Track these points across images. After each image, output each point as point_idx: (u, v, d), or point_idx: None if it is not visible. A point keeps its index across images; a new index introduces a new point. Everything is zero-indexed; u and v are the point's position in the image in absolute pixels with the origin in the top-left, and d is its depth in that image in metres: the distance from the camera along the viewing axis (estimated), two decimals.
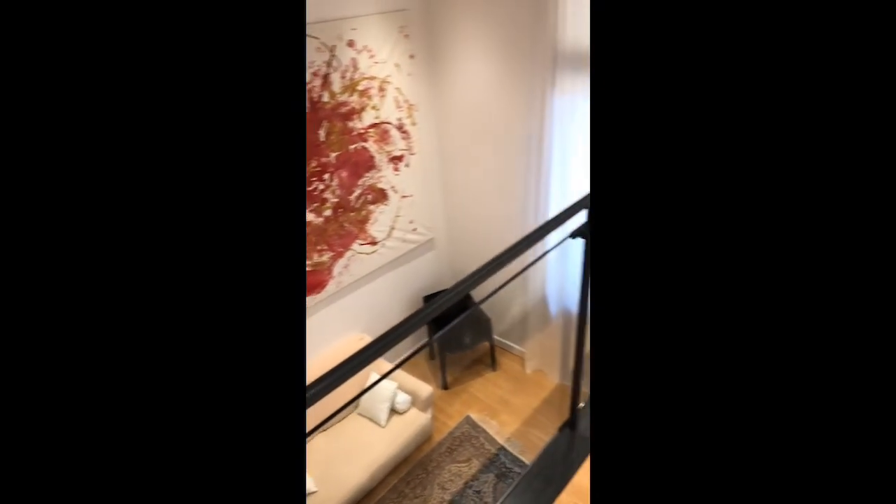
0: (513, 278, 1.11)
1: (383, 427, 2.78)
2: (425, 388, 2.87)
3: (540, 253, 1.30)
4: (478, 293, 3.31)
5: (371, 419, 2.82)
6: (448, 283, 3.57)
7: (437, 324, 3.30)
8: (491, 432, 3.04)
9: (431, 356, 3.58)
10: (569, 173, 2.61)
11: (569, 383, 1.50)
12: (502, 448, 2.94)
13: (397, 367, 1.03)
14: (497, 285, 1.13)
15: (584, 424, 1.59)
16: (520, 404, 3.20)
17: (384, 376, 1.00)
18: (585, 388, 1.66)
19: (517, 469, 2.78)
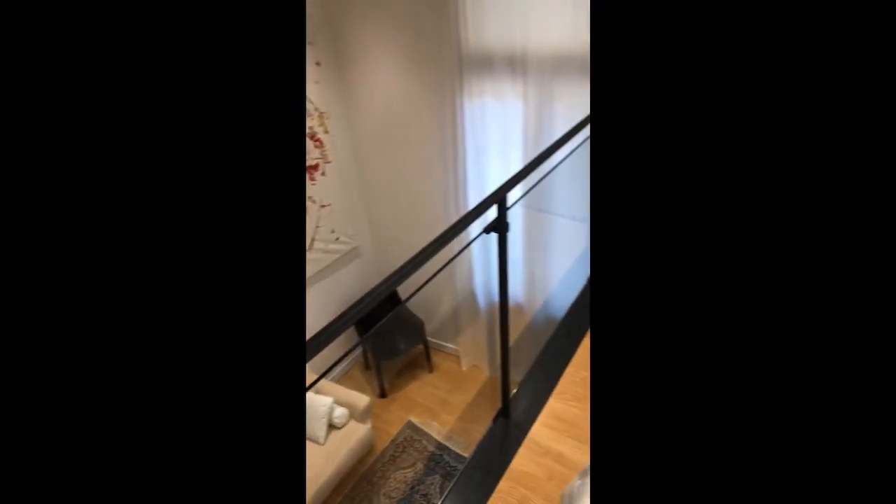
0: (434, 275, 1.13)
1: (322, 444, 2.70)
2: (362, 399, 2.82)
3: (462, 250, 1.33)
4: (405, 296, 3.32)
5: (309, 438, 2.73)
6: None
7: (369, 332, 3.26)
8: (433, 434, 3.05)
9: (366, 366, 3.53)
10: (485, 173, 2.69)
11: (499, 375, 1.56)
12: (445, 447, 2.97)
13: (325, 373, 1.01)
14: (423, 287, 1.15)
15: (517, 411, 1.65)
16: (459, 402, 3.24)
17: (313, 384, 0.97)
18: (516, 377, 1.73)
19: (461, 466, 2.82)
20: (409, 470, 2.88)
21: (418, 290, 1.15)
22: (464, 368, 3.46)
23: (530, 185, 1.63)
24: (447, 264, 1.17)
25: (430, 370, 3.48)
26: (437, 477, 2.84)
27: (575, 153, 1.80)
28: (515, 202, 1.32)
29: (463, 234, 1.27)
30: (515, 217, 2.67)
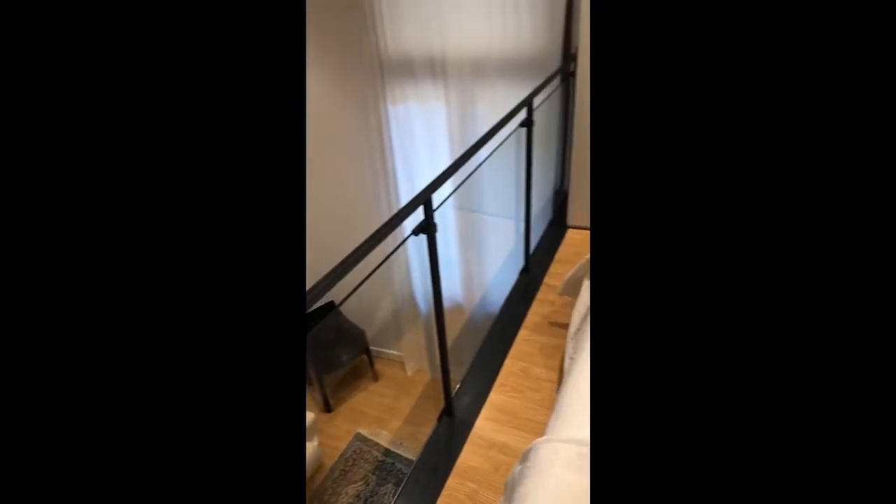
0: (365, 279, 1.13)
1: None
2: (306, 416, 2.73)
3: (391, 253, 1.33)
4: (343, 308, 3.26)
5: None
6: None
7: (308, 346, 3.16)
8: (383, 443, 3.01)
9: (308, 381, 3.42)
10: (415, 177, 2.71)
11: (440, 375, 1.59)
12: (396, 455, 2.94)
13: None
14: (357, 294, 1.14)
15: (460, 408, 1.67)
16: (406, 407, 3.23)
17: None
18: (455, 375, 1.75)
19: None
20: (360, 483, 2.82)
21: (350, 294, 1.14)
22: (409, 374, 3.45)
23: (458, 186, 1.66)
24: (377, 268, 1.17)
25: (375, 379, 3.44)
26: (390, 486, 2.80)
27: (497, 153, 1.86)
28: (441, 203, 1.34)
29: (399, 239, 1.28)
30: (449, 218, 2.71)
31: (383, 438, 3.04)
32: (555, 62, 2.27)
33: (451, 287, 2.91)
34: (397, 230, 1.20)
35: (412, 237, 1.31)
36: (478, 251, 2.75)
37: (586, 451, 0.96)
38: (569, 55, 2.32)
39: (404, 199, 2.75)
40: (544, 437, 1.03)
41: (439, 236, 1.34)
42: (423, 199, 1.24)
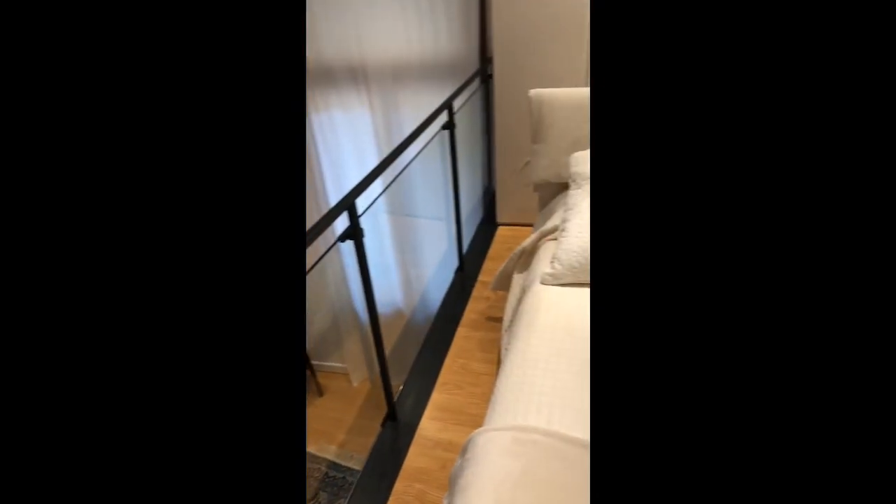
0: None
1: None
2: None
3: (316, 262, 1.32)
4: None
5: None
6: None
7: None
8: (331, 458, 2.94)
9: None
10: (343, 185, 2.68)
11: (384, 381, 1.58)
12: (346, 468, 2.88)
13: None
14: None
15: (403, 411, 1.67)
16: (354, 419, 3.17)
17: None
18: (398, 379, 1.75)
19: None
20: (311, 503, 2.74)
21: None
22: (355, 384, 3.39)
23: (384, 190, 1.67)
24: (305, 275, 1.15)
25: (320, 393, 3.35)
26: (344, 501, 2.74)
27: (424, 157, 1.89)
28: (367, 208, 1.35)
29: (331, 247, 1.26)
30: (383, 224, 2.70)
31: (331, 453, 2.97)
32: (473, 65, 2.33)
33: (390, 292, 2.90)
34: (328, 239, 1.19)
35: (344, 245, 1.30)
36: (413, 254, 2.77)
37: (521, 436, 1.00)
38: (486, 58, 2.40)
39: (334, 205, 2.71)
40: (481, 429, 1.06)
41: (375, 242, 1.34)
42: (347, 204, 1.24)
